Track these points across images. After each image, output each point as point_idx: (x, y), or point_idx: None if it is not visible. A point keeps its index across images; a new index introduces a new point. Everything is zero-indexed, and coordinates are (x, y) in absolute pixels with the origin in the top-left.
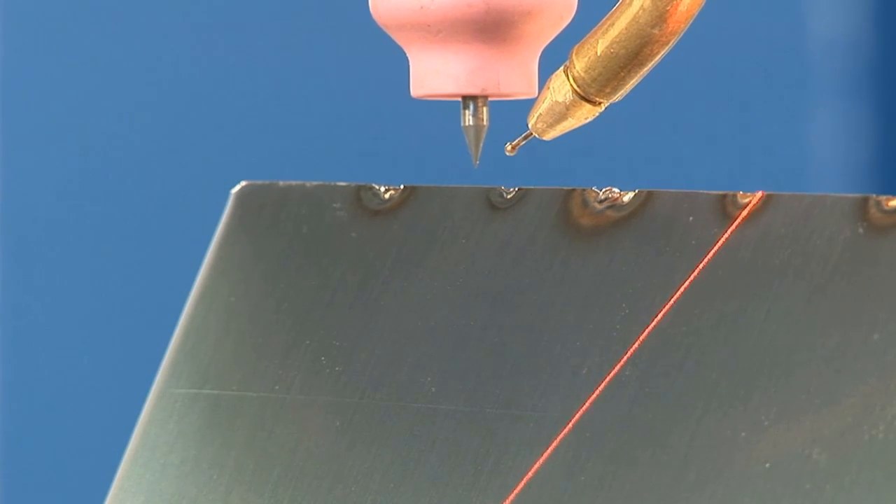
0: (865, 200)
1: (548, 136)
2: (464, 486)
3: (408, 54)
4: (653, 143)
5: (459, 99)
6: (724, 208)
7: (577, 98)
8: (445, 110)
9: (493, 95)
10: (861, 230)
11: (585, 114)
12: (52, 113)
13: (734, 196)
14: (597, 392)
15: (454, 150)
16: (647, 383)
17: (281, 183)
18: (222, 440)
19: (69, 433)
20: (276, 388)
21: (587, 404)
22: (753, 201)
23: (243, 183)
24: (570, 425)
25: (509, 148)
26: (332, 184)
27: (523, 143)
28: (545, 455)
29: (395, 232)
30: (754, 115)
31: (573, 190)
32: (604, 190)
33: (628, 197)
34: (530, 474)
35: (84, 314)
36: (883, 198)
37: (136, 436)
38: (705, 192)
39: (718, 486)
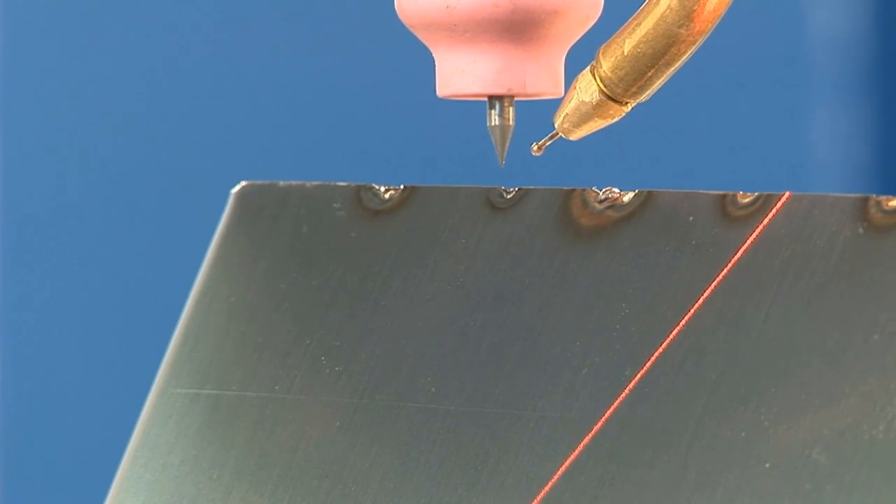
0: (865, 200)
1: (574, 136)
2: (464, 486)
3: (434, 54)
4: (653, 143)
5: (485, 99)
6: (724, 208)
7: (603, 98)
8: (446, 110)
9: (519, 95)
10: (861, 230)
11: (612, 114)
12: (52, 113)
13: (734, 196)
14: (624, 393)
15: (455, 149)
16: (646, 383)
17: (281, 183)
18: (222, 440)
19: (69, 433)
20: (276, 388)
21: (615, 405)
22: (781, 201)
23: (243, 183)
24: (599, 427)
25: (535, 148)
26: (332, 184)
27: (549, 143)
28: (573, 456)
29: (395, 232)
30: (754, 115)
31: (573, 190)
32: (604, 190)
33: (628, 197)
34: (556, 477)
35: (84, 314)
36: (883, 198)
37: (136, 436)
38: (705, 192)
39: (718, 486)
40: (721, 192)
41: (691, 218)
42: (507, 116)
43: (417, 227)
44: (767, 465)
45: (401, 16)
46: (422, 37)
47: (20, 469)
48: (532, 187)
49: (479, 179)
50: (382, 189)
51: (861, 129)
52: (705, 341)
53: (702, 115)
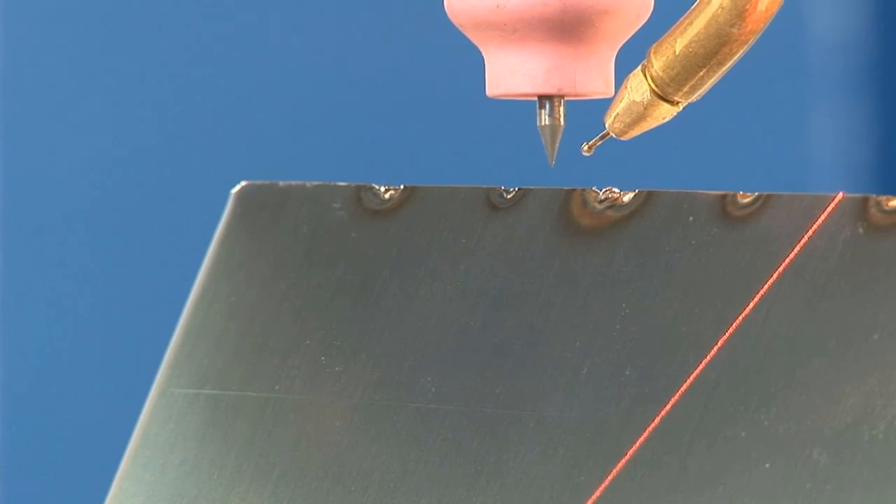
0: (865, 200)
1: (626, 137)
2: (464, 486)
3: (483, 54)
4: (653, 143)
5: (535, 98)
6: (724, 208)
7: (655, 98)
8: (447, 110)
9: (569, 95)
10: (861, 230)
11: (663, 113)
12: (53, 113)
13: (734, 196)
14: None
15: (455, 149)
16: (646, 383)
17: (281, 183)
18: (222, 440)
19: (69, 433)
20: (276, 388)
21: (660, 416)
22: (834, 202)
23: (243, 183)
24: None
25: (586, 148)
26: (332, 184)
27: (600, 143)
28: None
29: (395, 232)
30: (754, 115)
31: (573, 190)
32: (604, 190)
33: (628, 197)
34: (555, 478)
35: (84, 314)
36: (883, 198)
37: (136, 436)
38: (705, 192)
39: (718, 486)
40: (721, 192)
41: (691, 218)
42: (557, 116)
43: (417, 227)
44: (767, 465)
45: (450, 15)
46: (471, 36)
47: (20, 469)
48: (532, 187)
49: (481, 179)
50: (382, 189)
51: (861, 129)
52: (705, 341)
53: (702, 115)
